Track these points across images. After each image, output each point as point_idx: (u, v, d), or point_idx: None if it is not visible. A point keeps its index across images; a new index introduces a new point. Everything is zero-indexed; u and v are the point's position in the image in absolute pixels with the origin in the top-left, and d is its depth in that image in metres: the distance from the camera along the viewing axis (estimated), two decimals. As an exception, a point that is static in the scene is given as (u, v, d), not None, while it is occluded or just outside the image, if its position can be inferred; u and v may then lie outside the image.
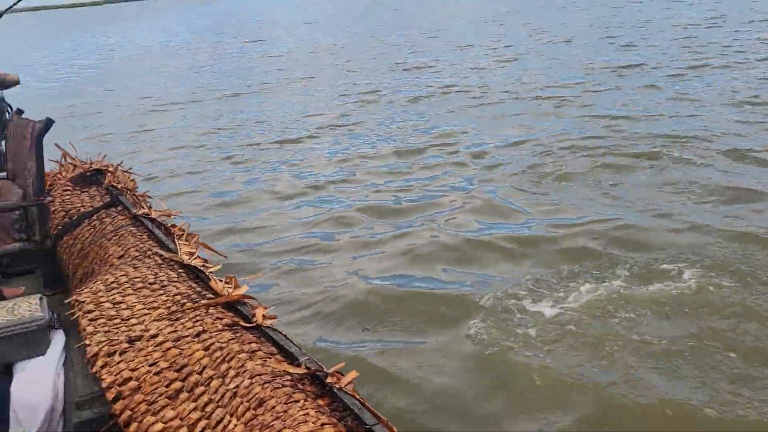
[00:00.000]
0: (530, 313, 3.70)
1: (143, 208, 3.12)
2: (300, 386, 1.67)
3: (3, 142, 3.51)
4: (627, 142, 6.67)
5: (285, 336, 1.91)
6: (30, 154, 2.49)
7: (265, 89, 12.60)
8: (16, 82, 3.96)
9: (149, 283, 2.31)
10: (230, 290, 2.21)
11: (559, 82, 10.10)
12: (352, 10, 34.87)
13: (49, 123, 2.47)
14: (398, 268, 4.45)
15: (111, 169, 3.68)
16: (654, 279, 3.89)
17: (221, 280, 2.30)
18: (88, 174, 3.69)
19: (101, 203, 3.33)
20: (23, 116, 2.81)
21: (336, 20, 28.99)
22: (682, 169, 5.76)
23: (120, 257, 2.71)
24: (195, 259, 2.51)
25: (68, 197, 3.47)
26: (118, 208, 3.25)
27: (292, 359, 1.79)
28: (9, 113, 3.66)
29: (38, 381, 1.94)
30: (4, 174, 3.29)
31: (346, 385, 1.64)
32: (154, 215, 3.03)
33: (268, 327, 1.98)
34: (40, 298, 2.17)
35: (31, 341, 2.02)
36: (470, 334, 3.57)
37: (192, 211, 5.60)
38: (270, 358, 1.80)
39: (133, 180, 3.66)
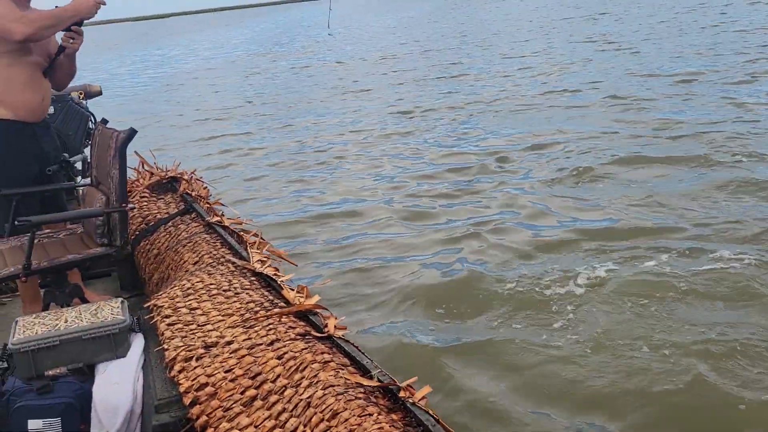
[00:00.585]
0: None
1: (216, 216, 3.20)
2: (373, 399, 1.66)
3: (88, 150, 3.67)
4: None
5: (357, 347, 1.91)
6: (114, 163, 2.58)
7: (327, 99, 12.77)
8: (99, 93, 4.16)
9: (223, 290, 2.36)
10: (302, 299, 2.23)
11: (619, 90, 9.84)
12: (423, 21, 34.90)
13: (132, 133, 2.57)
14: (461, 270, 4.43)
15: (185, 177, 3.80)
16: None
17: (293, 289, 2.32)
18: (164, 181, 3.82)
19: (176, 210, 3.43)
20: (107, 126, 2.92)
21: (405, 31, 29.11)
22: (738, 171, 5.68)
23: (195, 263, 2.79)
24: (267, 267, 2.55)
25: (145, 204, 3.60)
26: (192, 216, 3.34)
27: (364, 371, 1.79)
28: (93, 122, 3.84)
29: (119, 383, 2.00)
30: (88, 180, 3.44)
31: (419, 400, 1.62)
32: (226, 223, 3.10)
33: (340, 338, 1.98)
34: (122, 302, 2.25)
35: (113, 343, 2.10)
36: (547, 340, 3.51)
37: (256, 216, 5.70)
38: (342, 369, 1.80)
39: (206, 188, 3.76)
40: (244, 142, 9.62)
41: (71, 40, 2.91)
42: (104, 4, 2.97)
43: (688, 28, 16.94)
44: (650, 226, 4.75)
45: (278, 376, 1.82)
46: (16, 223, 2.41)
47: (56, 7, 2.90)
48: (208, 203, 3.47)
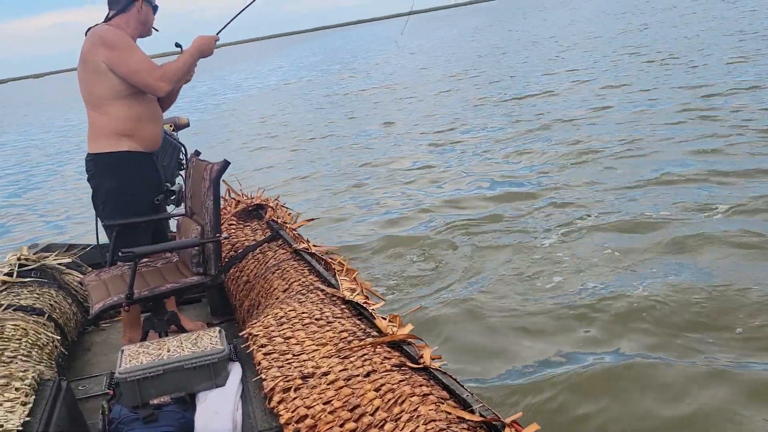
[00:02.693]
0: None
1: (303, 242, 3.25)
2: (476, 435, 1.62)
3: (181, 180, 3.82)
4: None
5: (455, 380, 1.88)
6: (208, 194, 2.67)
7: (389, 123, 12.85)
8: (187, 125, 4.32)
9: (315, 319, 2.37)
10: (395, 329, 2.22)
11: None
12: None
13: (225, 165, 2.64)
14: (536, 292, 4.30)
15: (271, 204, 3.89)
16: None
17: (385, 318, 2.32)
18: (250, 209, 3.92)
19: (263, 237, 3.51)
20: (200, 157, 3.03)
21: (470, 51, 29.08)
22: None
23: (284, 291, 2.83)
24: (357, 295, 2.55)
25: (233, 231, 3.70)
26: (279, 242, 3.40)
27: (464, 405, 1.75)
28: (183, 153, 3.99)
29: (219, 413, 2.04)
30: (181, 209, 3.57)
31: (526, 438, 1.57)
32: (313, 250, 3.14)
33: (437, 369, 1.95)
34: (219, 331, 2.30)
35: (213, 373, 2.14)
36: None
37: (337, 241, 5.75)
38: (442, 403, 1.76)
39: (290, 214, 3.83)
40: (318, 164, 9.79)
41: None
42: (218, 39, 3.16)
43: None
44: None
45: (377, 408, 1.81)
46: (120, 254, 2.51)
47: (180, 51, 3.08)
48: (293, 230, 3.52)
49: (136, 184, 3.04)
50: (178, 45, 3.24)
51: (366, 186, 7.98)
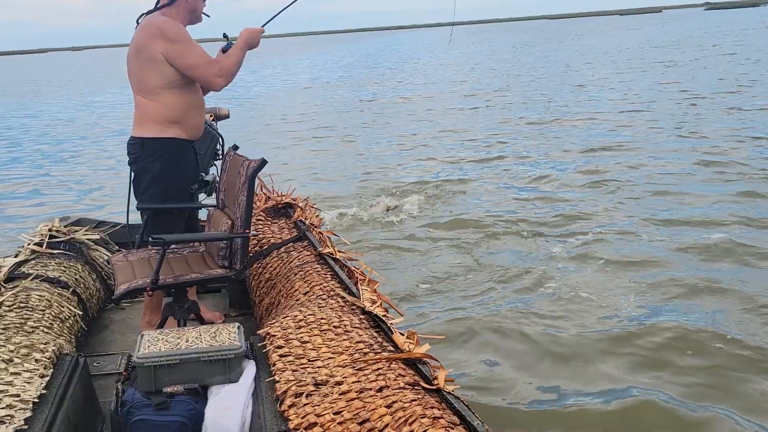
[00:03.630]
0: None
1: (328, 246, 3.26)
2: (483, 466, 1.61)
3: (215, 170, 3.87)
4: None
5: (467, 406, 1.87)
6: (242, 190, 2.69)
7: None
8: (227, 116, 4.37)
9: (333, 326, 2.38)
10: (412, 346, 2.22)
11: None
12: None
13: (263, 163, 2.67)
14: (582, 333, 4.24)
15: (300, 204, 3.91)
16: None
17: (402, 334, 2.32)
18: (279, 206, 3.95)
19: (289, 236, 3.53)
20: (238, 152, 3.06)
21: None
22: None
23: (305, 294, 2.84)
24: (377, 307, 2.56)
25: (260, 227, 3.73)
26: (304, 243, 3.43)
27: (474, 433, 1.74)
28: (221, 143, 4.04)
29: (230, 408, 2.06)
30: (212, 200, 3.61)
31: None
32: (337, 255, 3.15)
33: (450, 393, 1.94)
34: (238, 327, 2.32)
35: (228, 368, 2.16)
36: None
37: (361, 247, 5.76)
38: (452, 428, 1.76)
39: (319, 217, 3.85)
40: (356, 169, 9.81)
41: None
42: (264, 32, 3.21)
43: None
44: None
45: (386, 425, 1.80)
46: (150, 239, 2.55)
47: (228, 44, 3.13)
48: (320, 232, 3.54)
49: (179, 171, 3.09)
50: (225, 36, 3.29)
51: (373, 192, 7.99)
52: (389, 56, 45.40)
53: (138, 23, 3.06)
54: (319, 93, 22.17)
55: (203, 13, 3.20)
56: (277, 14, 3.48)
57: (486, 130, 12.25)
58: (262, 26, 3.26)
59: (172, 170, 3.05)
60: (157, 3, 3.09)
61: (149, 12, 3.08)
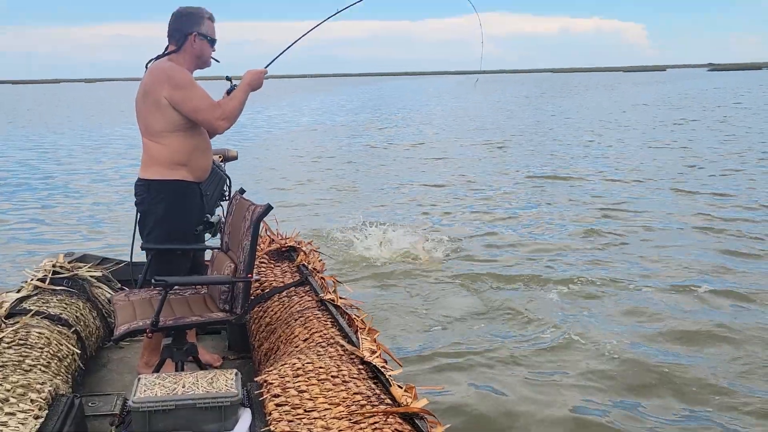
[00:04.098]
0: None
1: (329, 293, 3.27)
2: None
3: (220, 211, 3.90)
4: None
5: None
6: (247, 234, 2.71)
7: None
8: (236, 158, 4.42)
9: (332, 376, 2.37)
10: (409, 400, 2.20)
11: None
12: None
13: (268, 208, 2.69)
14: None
15: (304, 248, 3.93)
16: None
17: (401, 386, 2.30)
18: (282, 249, 3.97)
19: (291, 281, 3.54)
20: (244, 195, 3.09)
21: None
22: None
23: (305, 340, 2.83)
24: (376, 357, 2.54)
25: (263, 269, 3.74)
26: (306, 288, 3.43)
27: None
28: (228, 185, 4.08)
29: (224, 457, 2.03)
30: (217, 241, 3.63)
31: None
32: (339, 302, 3.15)
33: (446, 452, 1.92)
34: (236, 374, 2.31)
35: (223, 416, 2.14)
36: None
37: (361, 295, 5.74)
38: (447, 488, 1.74)
39: (321, 261, 3.86)
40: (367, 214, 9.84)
41: None
42: (267, 73, 3.27)
43: None
44: None
45: (381, 482, 1.78)
46: (153, 281, 2.56)
47: (232, 86, 3.19)
48: (322, 278, 3.54)
49: (184, 213, 3.12)
50: (228, 78, 3.34)
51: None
52: (397, 101, 45.89)
53: (147, 68, 3.13)
54: (324, 135, 22.37)
55: (212, 59, 3.25)
56: (279, 55, 3.50)
57: (486, 179, 12.33)
58: (265, 67, 3.31)
59: (176, 212, 3.08)
60: (166, 49, 3.17)
61: (158, 57, 3.16)
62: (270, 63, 3.43)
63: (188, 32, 3.09)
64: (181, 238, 3.12)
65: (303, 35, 3.64)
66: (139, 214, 3.18)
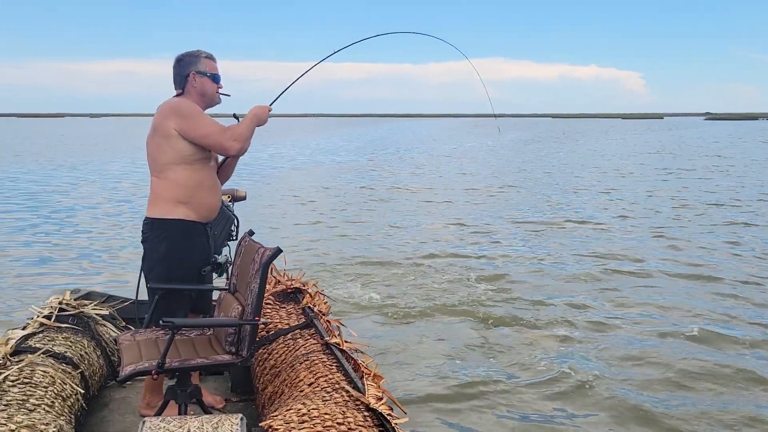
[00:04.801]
0: None
1: (335, 337, 3.26)
2: None
3: (227, 251, 3.92)
4: None
5: None
6: (255, 277, 2.72)
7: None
8: (244, 198, 4.46)
9: (337, 423, 2.35)
10: (415, 450, 2.18)
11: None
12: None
13: (277, 252, 2.71)
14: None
15: (309, 290, 3.93)
16: None
17: (407, 436, 2.28)
18: (288, 291, 3.97)
19: (297, 323, 3.53)
20: (253, 237, 3.11)
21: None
22: None
23: (310, 385, 2.81)
24: (381, 404, 2.52)
25: (269, 311, 3.73)
26: (311, 331, 3.42)
27: None
28: (235, 225, 4.10)
29: (227, 506, 2.00)
30: (223, 282, 3.64)
31: None
32: (344, 346, 3.13)
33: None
34: (241, 419, 2.29)
35: (227, 462, 2.11)
36: None
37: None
38: None
39: (327, 304, 3.85)
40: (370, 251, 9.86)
41: None
42: (271, 110, 3.33)
43: None
44: None
45: None
46: (161, 322, 2.56)
47: (237, 121, 3.25)
48: (328, 321, 3.54)
49: (185, 252, 3.14)
50: (235, 116, 3.40)
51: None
52: (398, 143, 46.15)
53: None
54: (324, 175, 22.47)
55: (221, 94, 3.28)
56: (282, 92, 3.57)
57: (485, 221, 12.37)
58: (270, 104, 3.38)
59: (177, 252, 3.10)
60: (175, 95, 3.25)
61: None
62: (274, 101, 3.50)
63: (187, 73, 3.17)
64: (180, 277, 3.12)
65: (304, 73, 3.71)
66: (143, 252, 3.21)
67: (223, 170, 3.47)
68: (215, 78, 3.23)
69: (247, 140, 3.16)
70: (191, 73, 3.17)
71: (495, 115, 5.50)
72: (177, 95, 3.22)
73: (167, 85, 3.30)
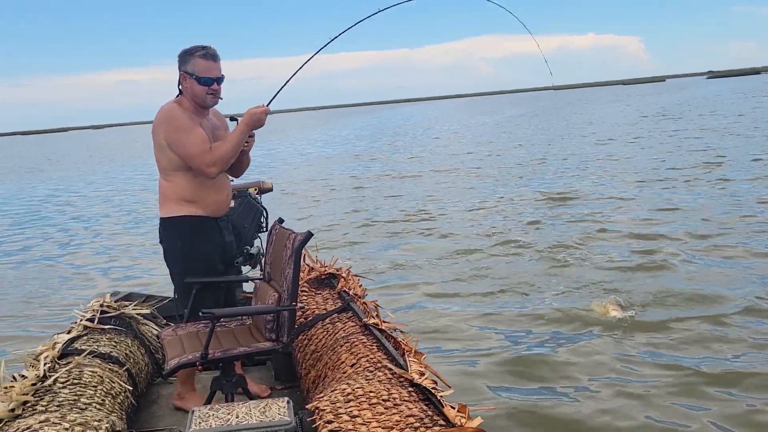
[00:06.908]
0: None
1: (373, 317, 3.26)
2: None
3: (259, 242, 3.94)
4: None
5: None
6: (288, 263, 2.74)
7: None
8: (271, 189, 4.49)
9: (383, 400, 2.35)
10: (463, 420, 2.17)
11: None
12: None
13: (308, 236, 2.72)
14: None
15: (343, 274, 3.94)
16: None
17: (453, 407, 2.27)
18: (322, 277, 3.98)
19: (333, 307, 3.55)
20: (283, 225, 3.12)
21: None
22: None
23: (352, 366, 2.82)
24: (425, 379, 2.52)
25: (305, 298, 3.75)
26: (349, 314, 3.43)
27: None
28: (264, 216, 4.13)
29: (281, 486, 2.02)
30: (257, 272, 3.66)
31: None
32: (383, 326, 3.14)
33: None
34: (288, 402, 2.31)
35: (277, 444, 2.14)
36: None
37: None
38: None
39: (362, 287, 3.86)
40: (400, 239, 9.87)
41: (245, 143, 3.19)
42: (270, 112, 3.21)
43: None
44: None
45: (442, 504, 1.76)
46: (200, 313, 2.59)
47: (236, 123, 3.20)
48: (364, 303, 3.54)
49: (201, 246, 3.15)
50: (233, 119, 3.33)
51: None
52: (399, 129, 45.45)
53: None
54: (324, 166, 22.36)
55: (213, 97, 3.13)
56: (279, 91, 3.43)
57: (494, 200, 12.19)
58: (266, 105, 3.23)
59: (189, 248, 3.12)
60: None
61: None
62: (270, 100, 3.34)
63: (180, 72, 3.10)
64: (203, 271, 3.13)
65: (300, 68, 3.53)
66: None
67: (235, 165, 3.32)
68: (201, 81, 3.06)
69: (227, 161, 3.06)
70: (181, 72, 3.10)
71: (554, 87, 5.34)
72: (177, 95, 3.18)
73: (169, 95, 3.21)
